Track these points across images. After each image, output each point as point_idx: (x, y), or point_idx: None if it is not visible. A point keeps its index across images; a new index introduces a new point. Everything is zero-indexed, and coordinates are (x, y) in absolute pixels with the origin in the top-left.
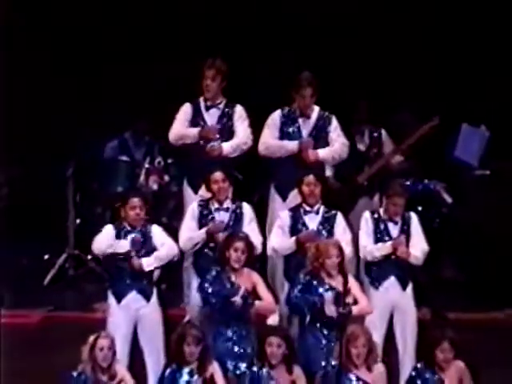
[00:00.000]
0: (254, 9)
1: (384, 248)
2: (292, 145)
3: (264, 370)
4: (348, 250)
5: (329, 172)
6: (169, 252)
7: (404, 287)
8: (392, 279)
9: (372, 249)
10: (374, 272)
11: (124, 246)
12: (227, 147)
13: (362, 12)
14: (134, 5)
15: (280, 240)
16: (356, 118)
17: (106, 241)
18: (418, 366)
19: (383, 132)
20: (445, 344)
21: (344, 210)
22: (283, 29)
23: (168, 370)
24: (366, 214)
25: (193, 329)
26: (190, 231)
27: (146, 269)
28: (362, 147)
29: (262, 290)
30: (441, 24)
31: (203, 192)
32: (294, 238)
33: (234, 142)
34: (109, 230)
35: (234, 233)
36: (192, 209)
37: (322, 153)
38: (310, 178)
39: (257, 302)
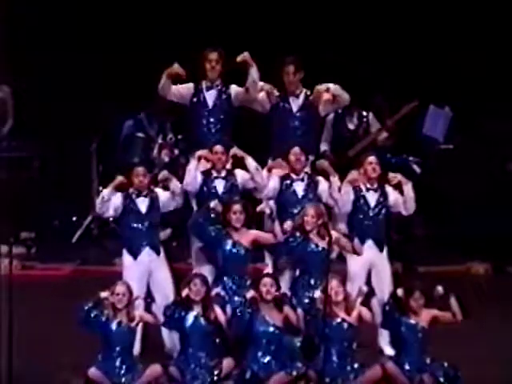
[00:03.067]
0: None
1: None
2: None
3: (258, 313)
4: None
5: (324, 146)
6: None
7: (381, 249)
8: (370, 242)
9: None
10: (355, 237)
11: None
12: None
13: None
14: None
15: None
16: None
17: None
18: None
19: (370, 114)
20: (416, 293)
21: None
22: (275, 21)
23: (175, 313)
24: (346, 189)
25: (197, 274)
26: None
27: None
28: (351, 126)
29: (262, 234)
30: (415, 18)
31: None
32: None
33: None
34: (116, 200)
35: (231, 199)
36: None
37: (333, 88)
38: (296, 149)
39: (255, 231)
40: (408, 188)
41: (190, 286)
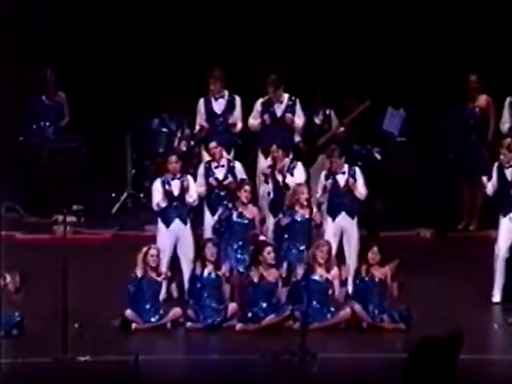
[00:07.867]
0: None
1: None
2: (257, 122)
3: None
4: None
5: (298, 138)
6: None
7: (352, 218)
8: (343, 213)
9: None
10: (331, 208)
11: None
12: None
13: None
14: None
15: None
16: (315, 102)
17: (157, 200)
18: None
19: (332, 112)
20: (374, 248)
21: (308, 163)
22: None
23: (195, 271)
24: (322, 174)
25: (209, 239)
26: (200, 186)
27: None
28: (317, 121)
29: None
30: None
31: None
32: None
33: None
34: (157, 186)
35: (243, 180)
36: (200, 170)
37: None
38: (273, 147)
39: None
40: (359, 191)
41: (205, 249)
